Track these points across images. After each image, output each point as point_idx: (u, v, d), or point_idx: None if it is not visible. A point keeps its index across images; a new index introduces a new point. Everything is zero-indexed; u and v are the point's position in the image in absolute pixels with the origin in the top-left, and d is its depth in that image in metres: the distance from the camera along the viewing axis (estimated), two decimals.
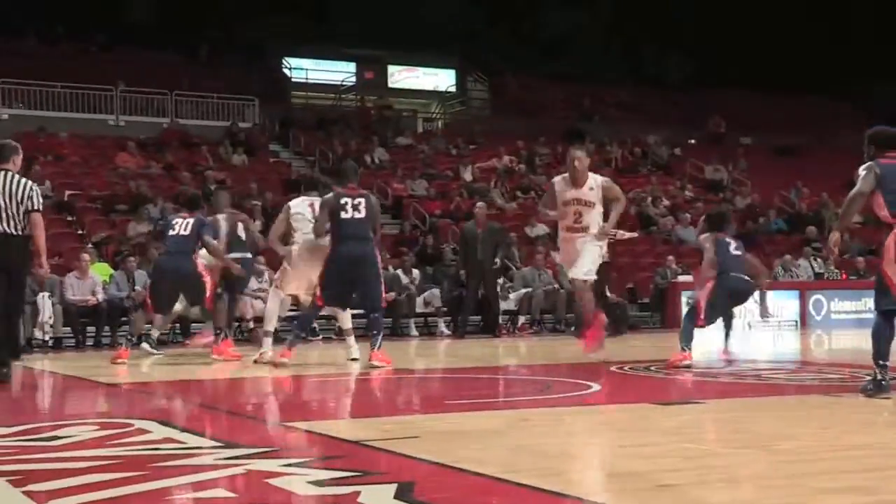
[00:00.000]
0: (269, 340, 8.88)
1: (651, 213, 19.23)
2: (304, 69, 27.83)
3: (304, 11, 26.26)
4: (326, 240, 8.18)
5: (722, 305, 8.45)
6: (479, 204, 15.14)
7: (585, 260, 7.94)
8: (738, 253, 8.47)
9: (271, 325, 9.08)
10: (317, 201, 8.53)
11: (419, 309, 14.48)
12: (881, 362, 5.46)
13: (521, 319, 14.61)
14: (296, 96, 27.01)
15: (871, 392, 5.45)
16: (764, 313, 9.39)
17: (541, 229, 16.64)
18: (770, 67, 28.24)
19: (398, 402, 6.38)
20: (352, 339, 8.92)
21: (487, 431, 4.57)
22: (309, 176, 10.70)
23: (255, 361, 8.68)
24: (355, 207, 8.04)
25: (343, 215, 7.99)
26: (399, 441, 4.02)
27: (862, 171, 5.57)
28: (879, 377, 5.43)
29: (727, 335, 9.15)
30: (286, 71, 27.90)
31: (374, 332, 8.15)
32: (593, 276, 8.06)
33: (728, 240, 8.44)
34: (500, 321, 14.30)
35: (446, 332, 14.34)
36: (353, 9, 26.72)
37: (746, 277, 8.49)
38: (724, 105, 27.17)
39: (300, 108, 25.31)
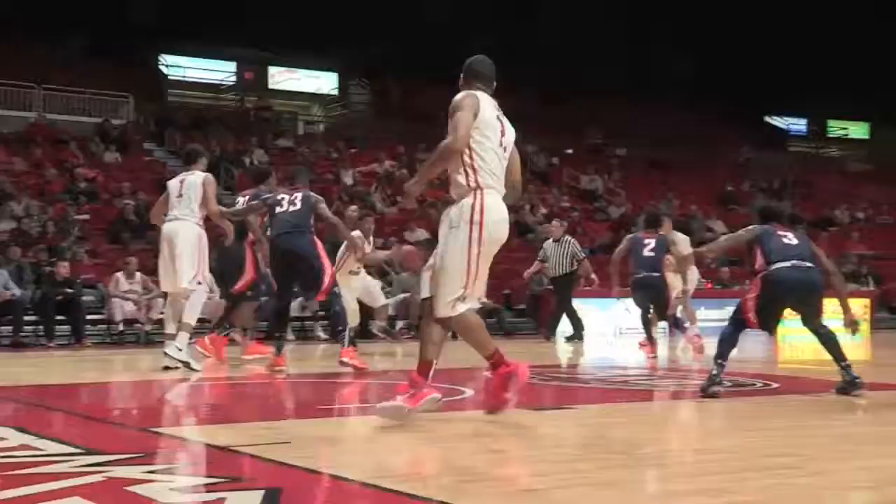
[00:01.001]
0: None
1: (528, 220, 19.56)
2: (182, 67, 27.24)
3: (183, 8, 25.67)
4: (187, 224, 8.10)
5: (635, 300, 9.87)
6: (352, 207, 14.87)
7: None
8: (651, 254, 9.64)
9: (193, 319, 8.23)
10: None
11: (296, 313, 14.32)
12: (720, 361, 6.06)
13: (400, 324, 14.63)
14: (172, 94, 26.40)
15: (706, 388, 5.99)
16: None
17: (420, 234, 16.70)
18: (646, 81, 29.06)
19: (272, 407, 6.30)
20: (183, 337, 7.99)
21: (358, 437, 4.55)
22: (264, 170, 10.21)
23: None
24: (291, 202, 8.12)
25: (278, 209, 8.13)
26: (269, 447, 3.97)
27: (752, 227, 6.40)
28: (715, 372, 6.01)
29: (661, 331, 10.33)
30: (163, 68, 27.25)
31: (339, 328, 8.14)
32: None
33: (646, 240, 9.41)
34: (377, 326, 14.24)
35: (323, 336, 14.24)
36: (233, 8, 26.28)
37: (655, 275, 9.62)
38: (601, 116, 27.84)
39: (177, 107, 24.75)
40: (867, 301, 17.48)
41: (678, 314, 10.96)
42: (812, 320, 6.16)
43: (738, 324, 6.18)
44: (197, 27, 25.53)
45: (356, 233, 9.20)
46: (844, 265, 20.63)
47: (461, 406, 5.86)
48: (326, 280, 8.00)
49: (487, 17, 27.15)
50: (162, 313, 11.08)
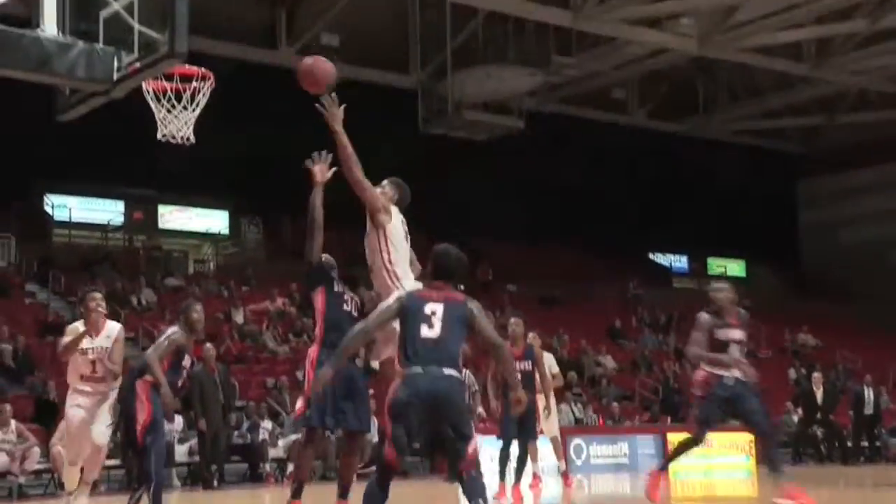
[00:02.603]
0: None
1: None
2: (68, 207, 26.82)
3: (70, 147, 25.48)
4: None
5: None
6: (207, 345, 14.52)
7: None
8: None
9: None
10: None
11: (184, 458, 13.83)
12: None
13: (290, 467, 14.24)
14: (58, 234, 25.88)
15: None
16: None
17: None
18: (535, 223, 29.92)
19: None
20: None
21: None
22: None
23: None
24: None
25: None
26: None
27: None
28: None
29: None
30: (48, 208, 26.78)
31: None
32: None
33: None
34: (269, 468, 13.86)
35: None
36: (123, 147, 26.23)
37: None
38: (492, 254, 28.40)
39: (62, 247, 24.24)
40: (752, 436, 17.86)
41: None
42: None
43: None
44: (84, 167, 25.31)
45: None
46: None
47: None
48: None
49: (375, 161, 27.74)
50: (40, 462, 10.57)
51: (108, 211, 27.26)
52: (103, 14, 7.50)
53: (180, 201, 27.94)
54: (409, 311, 5.40)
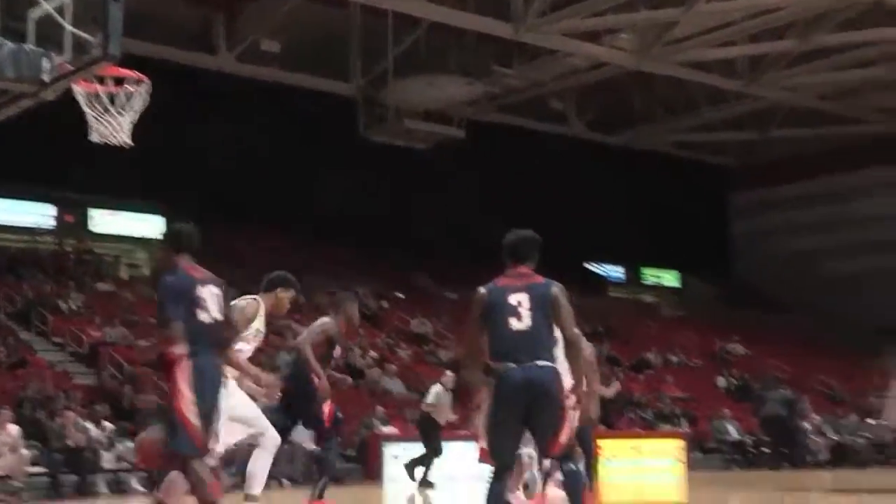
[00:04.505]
0: None
1: (359, 364, 19.52)
2: None
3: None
4: None
5: None
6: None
7: None
8: None
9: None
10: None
11: (111, 465, 13.62)
12: None
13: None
14: None
15: None
16: None
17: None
18: (475, 232, 30.00)
19: None
20: None
21: None
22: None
23: None
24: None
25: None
26: None
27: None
28: None
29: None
30: None
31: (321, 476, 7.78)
32: None
33: None
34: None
35: (140, 489, 13.53)
36: (53, 149, 25.73)
37: None
38: (430, 262, 28.46)
39: None
40: (681, 442, 18.14)
41: None
42: None
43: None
44: (13, 168, 24.78)
45: None
46: (660, 407, 21.50)
47: None
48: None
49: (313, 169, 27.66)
50: None
51: (37, 214, 26.69)
52: (34, 15, 7.38)
53: (112, 205, 27.45)
54: (494, 305, 5.18)
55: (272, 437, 6.63)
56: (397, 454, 14.20)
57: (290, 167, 27.48)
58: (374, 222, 27.98)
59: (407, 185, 28.83)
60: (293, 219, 27.71)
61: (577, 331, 5.33)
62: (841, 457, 20.19)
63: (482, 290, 5.40)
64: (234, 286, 6.99)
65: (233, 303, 6.66)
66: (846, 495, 8.09)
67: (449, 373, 13.79)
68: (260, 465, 6.62)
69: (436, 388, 13.72)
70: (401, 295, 26.43)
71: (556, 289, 5.26)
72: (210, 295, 5.67)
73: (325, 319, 7.94)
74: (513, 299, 5.16)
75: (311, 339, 7.72)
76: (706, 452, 20.27)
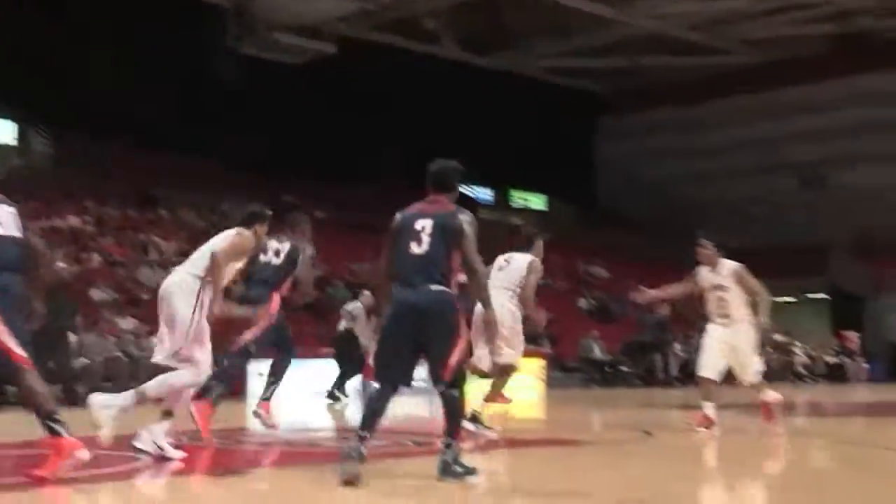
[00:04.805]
0: None
1: None
2: None
3: None
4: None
5: None
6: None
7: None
8: None
9: None
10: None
11: None
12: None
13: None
14: None
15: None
16: None
17: (107, 294, 15.91)
18: (339, 150, 29.74)
19: None
20: None
21: None
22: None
23: None
24: (276, 254, 7.90)
25: (261, 258, 7.74)
26: None
27: None
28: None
29: None
30: None
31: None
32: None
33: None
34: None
35: None
36: None
37: None
38: (298, 185, 28.05)
39: None
40: (543, 361, 18.73)
41: None
42: None
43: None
44: None
45: None
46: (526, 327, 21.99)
47: (134, 474, 5.60)
48: None
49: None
50: None
51: None
52: None
53: None
54: (402, 230, 5.34)
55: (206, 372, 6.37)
56: (262, 371, 14.13)
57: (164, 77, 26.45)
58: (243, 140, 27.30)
59: (277, 100, 28.21)
60: (162, 132, 26.82)
61: (479, 261, 5.41)
62: (690, 375, 21.19)
63: (397, 215, 5.52)
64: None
65: (227, 233, 6.54)
66: (695, 412, 8.62)
67: (367, 292, 14.04)
68: (176, 379, 6.21)
69: (354, 306, 13.95)
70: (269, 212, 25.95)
71: (463, 218, 5.39)
72: (5, 214, 5.45)
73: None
74: (418, 225, 5.31)
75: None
76: (566, 371, 20.96)
